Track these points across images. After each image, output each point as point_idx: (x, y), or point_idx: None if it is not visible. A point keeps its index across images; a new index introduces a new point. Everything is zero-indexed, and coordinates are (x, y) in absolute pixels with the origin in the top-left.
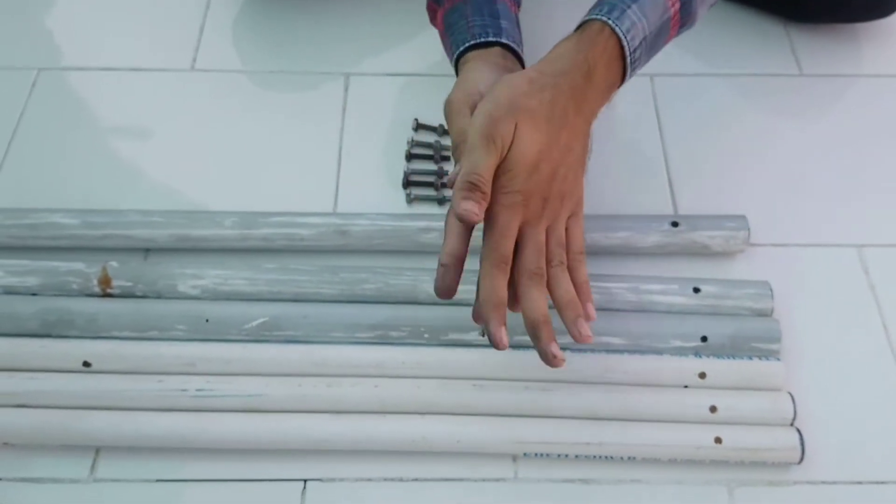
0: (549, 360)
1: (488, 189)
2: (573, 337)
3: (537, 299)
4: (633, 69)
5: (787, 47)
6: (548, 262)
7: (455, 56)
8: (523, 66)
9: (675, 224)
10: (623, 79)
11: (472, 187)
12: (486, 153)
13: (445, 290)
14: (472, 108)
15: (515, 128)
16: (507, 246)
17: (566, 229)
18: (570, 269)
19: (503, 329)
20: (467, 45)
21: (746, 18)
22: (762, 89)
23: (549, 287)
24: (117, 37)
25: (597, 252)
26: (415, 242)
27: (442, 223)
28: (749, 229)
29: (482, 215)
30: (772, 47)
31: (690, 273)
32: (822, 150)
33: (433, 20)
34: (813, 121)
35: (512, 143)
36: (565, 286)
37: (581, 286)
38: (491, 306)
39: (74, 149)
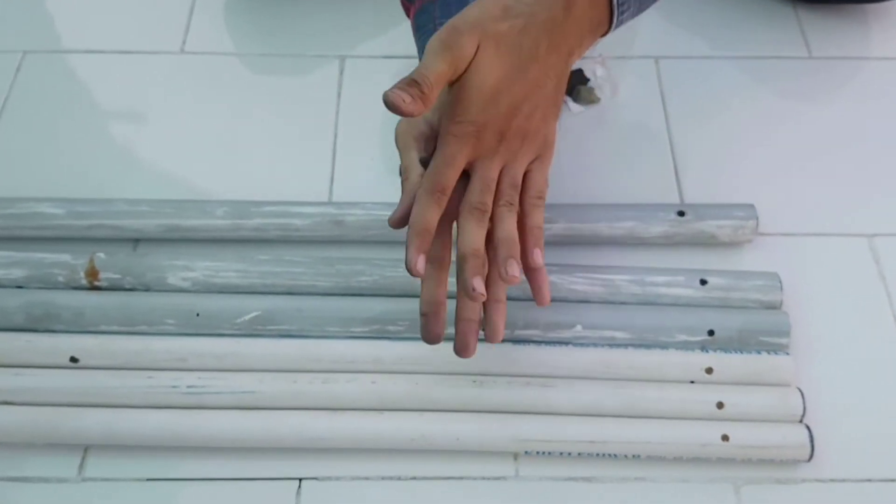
0: (468, 292)
1: (429, 92)
2: (500, 276)
3: (472, 232)
4: (622, 13)
5: (797, 29)
6: (495, 200)
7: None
8: None
9: (681, 213)
10: (610, 22)
11: (412, 82)
12: (438, 58)
13: (434, 338)
14: (418, 140)
15: (477, 50)
16: (448, 176)
17: (527, 172)
18: (524, 213)
19: (421, 257)
20: None
21: (753, 0)
22: (770, 72)
23: (492, 224)
24: (104, 18)
25: (600, 242)
26: None
27: None
28: (758, 218)
29: (413, 109)
30: (780, 29)
31: (697, 264)
32: (832, 135)
33: (407, 16)
34: (822, 105)
35: (470, 66)
36: (507, 226)
37: (532, 230)
38: (414, 231)
39: (60, 135)
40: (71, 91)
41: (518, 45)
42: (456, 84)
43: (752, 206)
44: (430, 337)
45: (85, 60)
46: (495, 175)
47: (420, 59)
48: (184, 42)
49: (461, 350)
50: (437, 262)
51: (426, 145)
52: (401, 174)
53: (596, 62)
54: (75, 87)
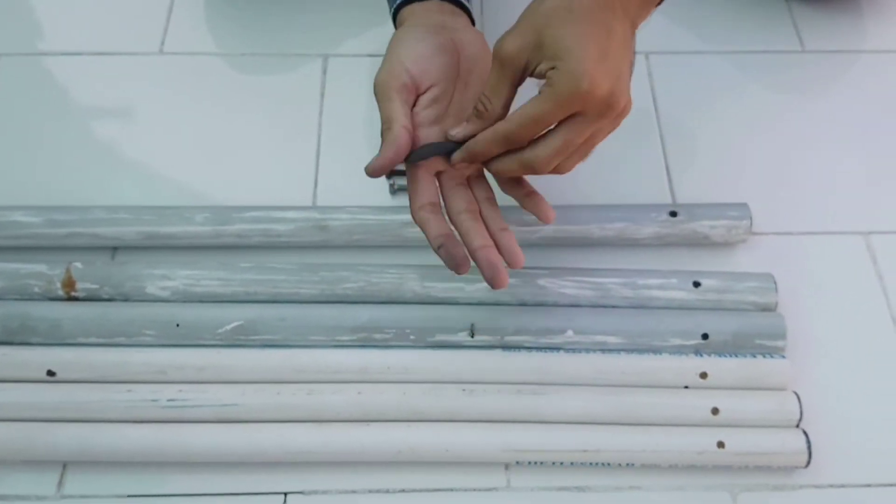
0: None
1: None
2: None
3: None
4: None
5: (789, 22)
6: None
7: (392, 9)
8: (472, 20)
9: (673, 214)
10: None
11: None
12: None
13: (461, 261)
14: (400, 92)
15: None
16: (527, 133)
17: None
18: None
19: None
20: None
21: None
22: (763, 66)
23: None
24: (81, 19)
25: (591, 244)
26: (399, 237)
27: None
28: (751, 218)
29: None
30: (773, 22)
31: (689, 265)
32: (826, 130)
33: None
34: (816, 99)
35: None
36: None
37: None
38: (471, 153)
39: (37, 141)
40: (48, 94)
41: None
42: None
43: (745, 206)
44: (457, 261)
45: (61, 62)
46: (581, 141)
47: (389, 8)
48: (162, 42)
49: (493, 277)
50: (430, 207)
51: (408, 96)
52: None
53: None
54: (52, 91)
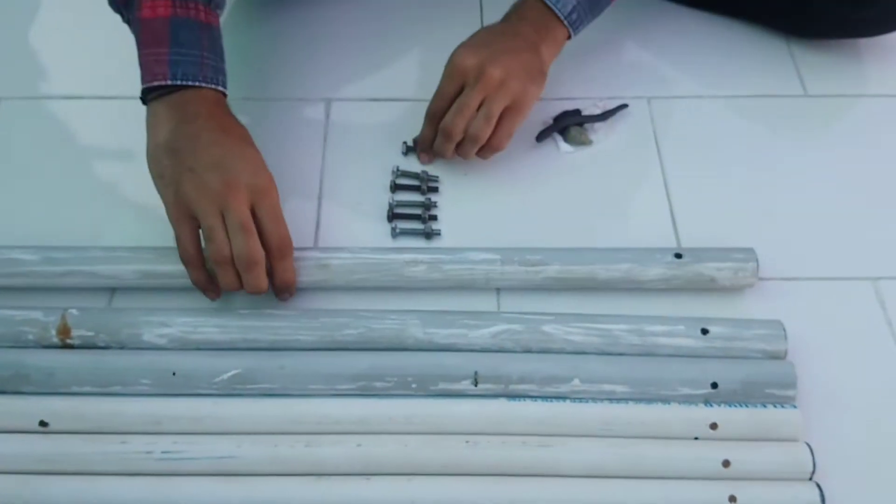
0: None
1: None
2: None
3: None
4: (573, 23)
5: (791, 66)
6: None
7: (169, 82)
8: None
9: (678, 256)
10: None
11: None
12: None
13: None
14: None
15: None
16: (439, 105)
17: (499, 119)
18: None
19: (425, 156)
20: (188, 83)
21: (747, 36)
22: (766, 111)
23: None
24: (82, 63)
25: (596, 287)
26: (400, 276)
27: (429, 256)
28: (758, 261)
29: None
30: (775, 67)
31: (697, 311)
32: (831, 175)
33: (138, 7)
34: (820, 144)
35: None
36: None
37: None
38: (420, 148)
39: (37, 182)
40: (49, 137)
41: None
42: None
43: (751, 250)
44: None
45: (63, 106)
46: (473, 105)
47: (144, 58)
48: None
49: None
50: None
51: None
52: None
53: (594, 104)
54: (53, 133)
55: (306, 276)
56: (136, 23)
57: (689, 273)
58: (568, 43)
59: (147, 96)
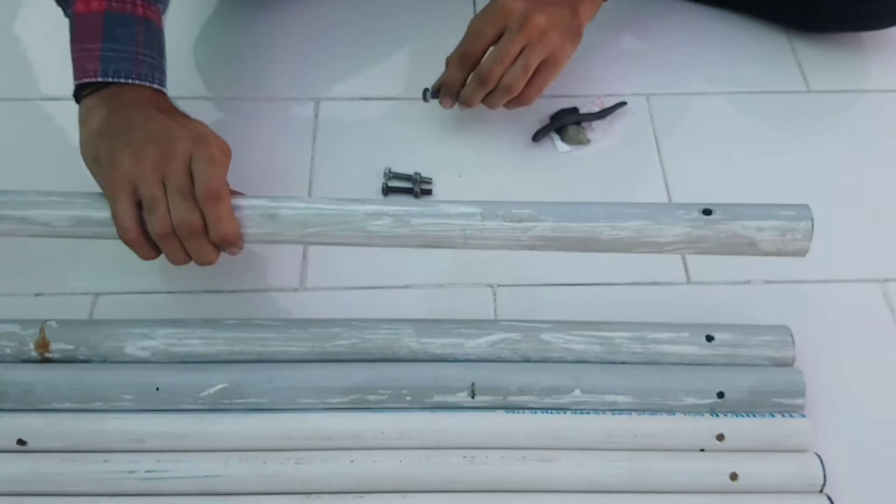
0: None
1: None
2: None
3: (472, 90)
4: None
5: (793, 62)
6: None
7: (100, 79)
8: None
9: (707, 212)
10: None
11: None
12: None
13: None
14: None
15: None
16: (475, 46)
17: (535, 72)
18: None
19: (448, 101)
20: (120, 80)
21: (748, 30)
22: (768, 107)
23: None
24: (66, 64)
25: (598, 249)
26: (361, 232)
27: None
28: (813, 220)
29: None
30: (776, 62)
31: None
32: (836, 172)
33: (74, 1)
34: (824, 140)
35: None
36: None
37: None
38: (444, 92)
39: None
40: (33, 140)
41: None
42: None
43: (806, 206)
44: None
45: (47, 108)
46: (514, 52)
47: (77, 54)
48: None
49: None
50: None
51: None
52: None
53: (592, 101)
54: (38, 136)
55: (252, 227)
56: (71, 18)
57: (722, 234)
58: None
59: (79, 94)
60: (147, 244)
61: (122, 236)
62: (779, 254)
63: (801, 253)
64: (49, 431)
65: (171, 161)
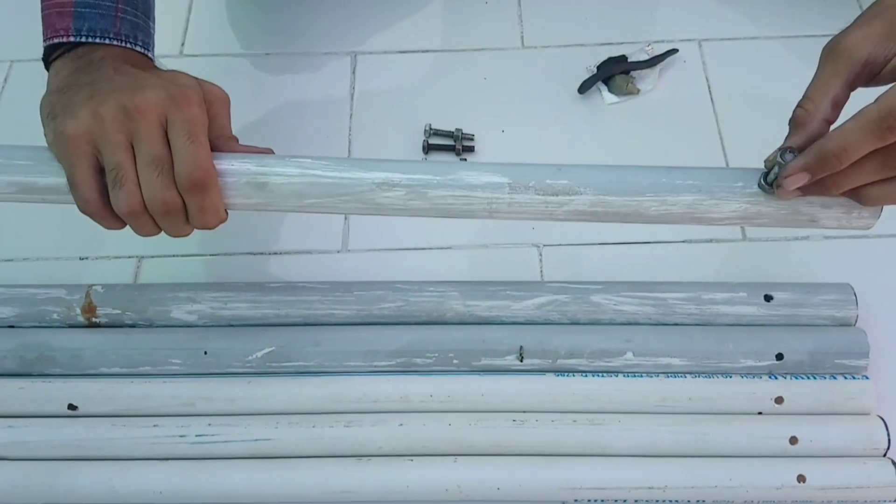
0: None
1: None
2: None
3: None
4: None
5: (854, 3)
6: None
7: (72, 39)
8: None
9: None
10: None
11: None
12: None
13: None
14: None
15: None
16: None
17: None
18: None
19: None
20: (96, 40)
21: None
22: None
23: None
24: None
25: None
26: (369, 204)
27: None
28: None
29: None
30: (836, 3)
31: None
32: None
33: None
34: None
35: None
36: None
37: None
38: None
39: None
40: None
41: None
42: None
43: None
44: None
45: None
46: None
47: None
48: (182, 44)
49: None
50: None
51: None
52: None
53: (641, 49)
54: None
55: (238, 197)
56: None
57: (783, 210)
58: None
59: (49, 57)
60: (112, 217)
61: (82, 208)
62: (840, 228)
63: (866, 228)
64: (99, 396)
65: (140, 117)
